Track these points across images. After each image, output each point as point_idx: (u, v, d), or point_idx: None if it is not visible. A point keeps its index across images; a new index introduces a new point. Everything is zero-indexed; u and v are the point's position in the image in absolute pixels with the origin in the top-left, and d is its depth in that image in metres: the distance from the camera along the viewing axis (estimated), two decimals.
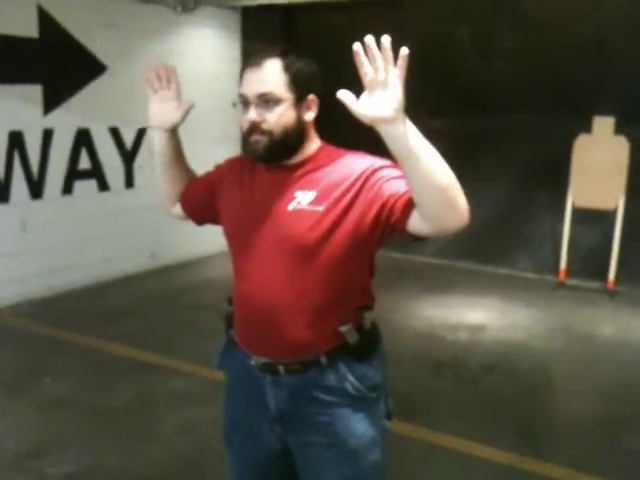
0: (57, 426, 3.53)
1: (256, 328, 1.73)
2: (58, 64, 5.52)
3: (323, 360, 1.68)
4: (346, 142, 1.84)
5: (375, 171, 1.62)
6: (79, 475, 3.09)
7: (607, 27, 5.88)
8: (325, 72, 1.70)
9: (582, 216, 6.02)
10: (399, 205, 1.56)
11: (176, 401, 3.83)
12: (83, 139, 5.81)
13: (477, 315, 5.40)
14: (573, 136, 5.86)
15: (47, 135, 5.51)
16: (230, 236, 1.81)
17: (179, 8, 6.46)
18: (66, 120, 5.63)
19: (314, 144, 1.72)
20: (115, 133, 6.09)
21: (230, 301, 1.84)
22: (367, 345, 1.72)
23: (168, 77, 1.88)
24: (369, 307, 1.74)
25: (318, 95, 1.68)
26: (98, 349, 4.55)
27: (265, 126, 1.62)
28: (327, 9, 7.08)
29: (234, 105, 1.68)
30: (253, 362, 1.75)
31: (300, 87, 1.63)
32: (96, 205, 6.00)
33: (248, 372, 1.78)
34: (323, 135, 1.76)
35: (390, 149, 1.47)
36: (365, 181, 1.61)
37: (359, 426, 1.72)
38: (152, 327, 5.01)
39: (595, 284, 6.12)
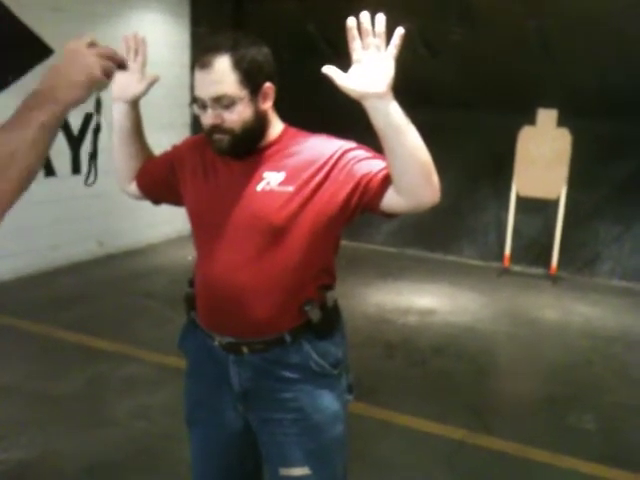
0: (7, 412, 3.45)
1: (221, 309, 1.71)
2: (3, 46, 5.35)
3: (287, 338, 1.69)
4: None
5: (345, 152, 1.64)
6: (33, 460, 3.05)
7: (551, 23, 6.04)
8: (275, 61, 1.67)
9: (526, 205, 6.19)
10: (373, 184, 1.59)
11: (127, 386, 3.80)
12: None
13: (426, 300, 5.52)
14: (517, 128, 6.01)
15: None
16: (194, 218, 1.79)
17: None
18: (12, 104, 5.20)
19: (277, 127, 1.71)
20: None
21: (191, 283, 1.82)
22: (329, 323, 1.74)
23: (137, 49, 1.86)
24: (331, 286, 1.76)
25: (273, 79, 1.66)
26: (46, 335, 4.47)
27: (225, 125, 1.61)
28: None
29: (191, 105, 1.65)
30: (216, 342, 1.75)
31: (254, 80, 1.60)
32: (42, 191, 5.84)
33: (210, 352, 1.78)
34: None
35: (376, 124, 1.51)
36: (336, 162, 1.63)
37: (323, 401, 1.74)
38: (101, 314, 4.95)
39: (538, 270, 6.34)
